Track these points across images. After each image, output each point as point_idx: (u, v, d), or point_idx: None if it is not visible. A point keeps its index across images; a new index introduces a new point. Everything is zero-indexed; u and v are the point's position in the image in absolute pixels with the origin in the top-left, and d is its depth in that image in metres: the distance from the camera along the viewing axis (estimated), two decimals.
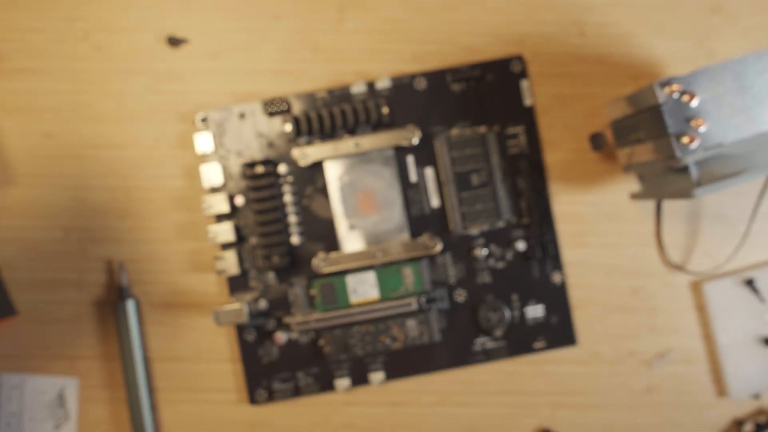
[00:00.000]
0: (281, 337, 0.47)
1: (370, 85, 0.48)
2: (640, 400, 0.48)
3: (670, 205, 0.48)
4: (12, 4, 0.48)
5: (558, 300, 0.48)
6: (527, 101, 0.48)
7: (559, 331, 0.48)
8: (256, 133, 0.48)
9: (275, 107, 0.47)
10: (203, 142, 0.47)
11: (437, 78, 0.48)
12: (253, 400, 0.47)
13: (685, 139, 0.35)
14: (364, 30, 0.49)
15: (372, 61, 0.48)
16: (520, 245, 0.48)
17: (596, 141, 0.47)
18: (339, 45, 0.48)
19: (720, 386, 0.48)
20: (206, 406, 0.48)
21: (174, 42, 0.48)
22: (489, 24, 0.49)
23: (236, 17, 0.48)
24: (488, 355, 0.48)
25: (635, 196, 0.45)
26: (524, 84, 0.48)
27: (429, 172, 0.48)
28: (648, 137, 0.38)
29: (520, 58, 0.48)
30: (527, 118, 0.48)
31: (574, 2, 0.48)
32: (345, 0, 0.48)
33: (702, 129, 0.35)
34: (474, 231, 0.47)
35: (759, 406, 0.48)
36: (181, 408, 0.48)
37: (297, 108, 0.48)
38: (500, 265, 0.48)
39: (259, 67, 0.48)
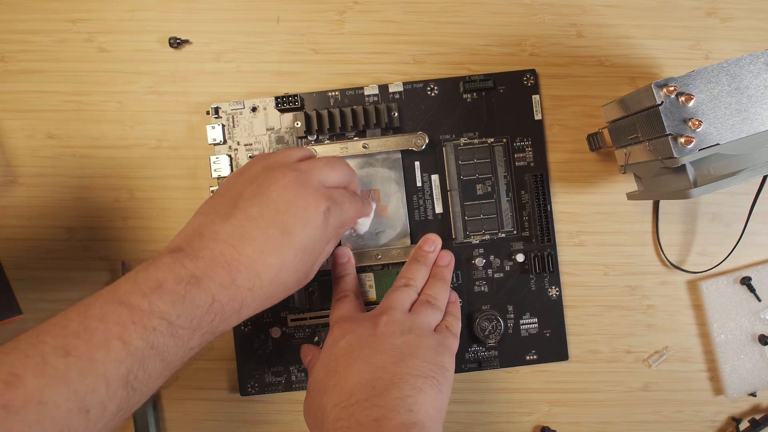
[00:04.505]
0: (277, 331, 0.48)
1: (383, 88, 0.48)
2: (637, 398, 0.49)
3: (667, 205, 0.49)
4: (16, 6, 0.48)
5: (553, 315, 0.48)
6: (537, 115, 0.48)
7: (551, 345, 0.48)
8: (267, 127, 0.48)
9: (287, 103, 0.47)
10: (214, 132, 0.47)
11: (449, 86, 0.48)
12: (244, 391, 0.48)
13: (681, 140, 0.35)
14: (364, 32, 0.49)
15: (372, 63, 0.49)
16: (520, 257, 0.48)
17: (594, 141, 0.47)
18: (339, 47, 0.49)
19: (716, 384, 0.49)
20: (207, 402, 0.48)
21: (176, 43, 0.48)
22: (488, 26, 0.49)
23: (238, 19, 0.49)
24: (480, 364, 0.48)
25: (632, 196, 0.45)
26: (535, 98, 0.48)
27: (435, 178, 0.48)
28: (645, 138, 0.39)
29: (533, 72, 0.48)
30: (536, 131, 0.48)
31: (573, 4, 0.49)
32: (345, 2, 0.49)
33: (699, 129, 0.35)
34: (475, 240, 0.48)
35: (755, 404, 0.49)
36: (183, 405, 0.49)
37: (309, 105, 0.48)
38: (498, 275, 0.48)
39: (260, 69, 0.49)
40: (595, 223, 0.49)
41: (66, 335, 0.29)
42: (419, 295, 0.44)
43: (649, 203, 0.49)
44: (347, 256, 0.46)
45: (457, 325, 0.44)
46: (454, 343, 0.42)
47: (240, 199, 0.36)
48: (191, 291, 0.32)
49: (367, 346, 0.39)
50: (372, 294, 0.47)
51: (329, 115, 0.46)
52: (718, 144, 0.36)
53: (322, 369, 0.39)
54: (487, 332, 0.47)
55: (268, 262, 0.35)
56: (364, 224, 0.46)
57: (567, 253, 0.49)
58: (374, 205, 0.47)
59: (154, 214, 0.48)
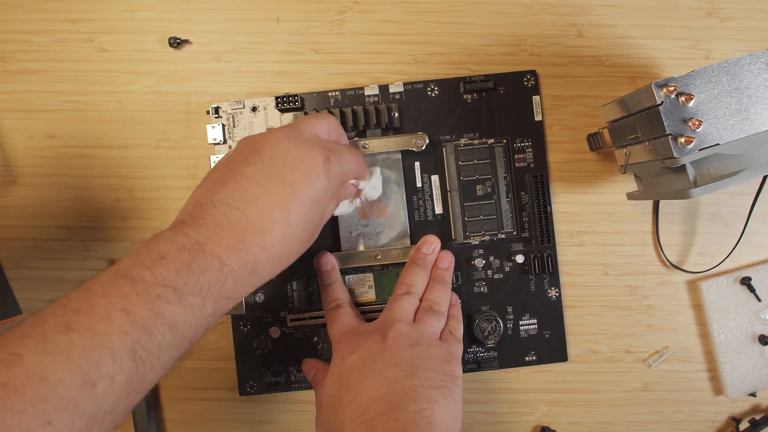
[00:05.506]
0: (276, 331, 0.48)
1: (383, 88, 0.48)
2: (637, 398, 0.49)
3: (667, 205, 0.49)
4: (16, 6, 0.48)
5: (552, 316, 0.48)
6: (537, 116, 0.48)
7: (551, 346, 0.48)
8: (267, 127, 0.48)
9: (287, 103, 0.47)
10: (214, 132, 0.47)
11: (450, 86, 0.48)
12: (243, 391, 0.48)
13: (681, 140, 0.35)
14: (364, 32, 0.49)
15: (372, 63, 0.49)
16: (519, 258, 0.48)
17: (594, 141, 0.47)
18: (339, 47, 0.49)
19: (716, 384, 0.49)
20: (206, 402, 0.48)
21: (176, 43, 0.48)
22: (488, 26, 0.49)
23: (238, 19, 0.49)
24: (479, 365, 0.48)
25: (632, 196, 0.45)
26: (536, 99, 0.48)
27: (434, 179, 0.48)
28: (645, 138, 0.39)
29: (533, 73, 0.48)
30: (536, 132, 0.48)
31: (573, 4, 0.49)
32: (345, 2, 0.49)
33: (699, 129, 0.35)
34: (474, 241, 0.48)
35: (755, 404, 0.49)
36: (182, 405, 0.49)
37: (309, 106, 0.48)
38: (498, 276, 0.48)
39: (260, 69, 0.49)
40: (595, 223, 0.49)
41: (67, 313, 0.28)
42: (421, 300, 0.44)
43: (649, 203, 0.49)
44: (331, 263, 0.46)
45: (459, 328, 0.44)
46: (459, 349, 0.42)
47: (234, 164, 0.35)
48: (196, 258, 0.31)
49: (378, 360, 0.39)
50: (371, 294, 0.47)
51: None
52: (718, 144, 0.36)
53: (334, 384, 0.39)
54: (486, 333, 0.47)
55: (275, 217, 0.34)
56: (376, 188, 0.45)
57: (567, 253, 0.49)
58: (378, 169, 0.46)
59: (154, 214, 0.48)
